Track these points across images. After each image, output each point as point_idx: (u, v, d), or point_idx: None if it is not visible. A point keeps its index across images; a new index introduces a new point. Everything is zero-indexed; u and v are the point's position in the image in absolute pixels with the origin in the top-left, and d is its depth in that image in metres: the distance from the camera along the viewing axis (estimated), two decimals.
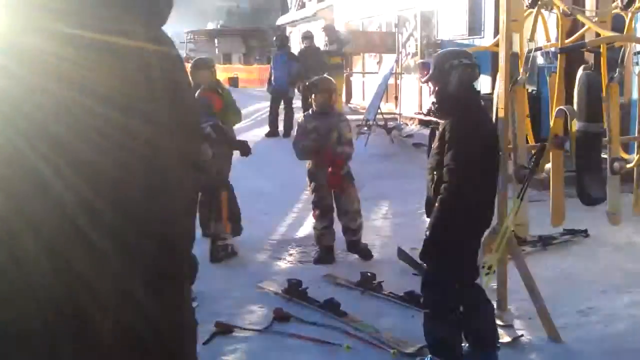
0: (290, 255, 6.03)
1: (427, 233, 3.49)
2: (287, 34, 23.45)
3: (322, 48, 13.15)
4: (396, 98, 13.63)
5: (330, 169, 5.57)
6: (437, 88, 3.63)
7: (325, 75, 12.20)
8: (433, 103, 3.70)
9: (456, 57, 3.61)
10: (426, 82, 3.70)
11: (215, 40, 40.10)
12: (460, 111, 3.54)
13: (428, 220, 3.57)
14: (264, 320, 4.44)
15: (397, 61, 13.24)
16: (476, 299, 3.62)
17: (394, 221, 7.06)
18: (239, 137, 13.12)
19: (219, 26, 43.86)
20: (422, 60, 4.21)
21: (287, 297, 4.73)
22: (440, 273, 3.55)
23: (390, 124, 12.36)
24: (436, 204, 3.45)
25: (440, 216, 3.43)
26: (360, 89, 16.60)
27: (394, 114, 13.37)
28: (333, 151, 5.59)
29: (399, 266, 5.40)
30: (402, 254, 5.43)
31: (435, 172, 3.55)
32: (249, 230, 6.81)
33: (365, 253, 5.73)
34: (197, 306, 4.70)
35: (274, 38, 13.17)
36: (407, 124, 13.16)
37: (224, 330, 4.28)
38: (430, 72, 3.62)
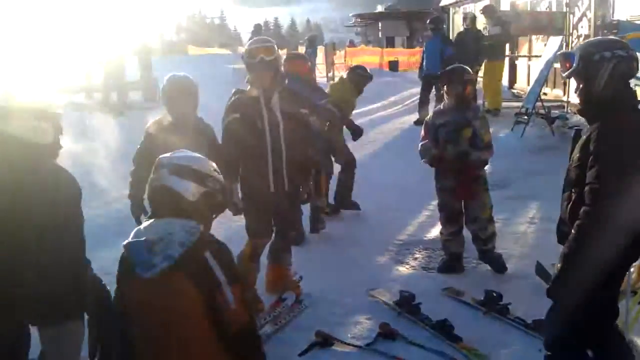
0: (415, 259, 5.50)
1: (558, 265, 2.82)
2: (452, 15, 22.42)
3: (483, 31, 12.18)
4: (564, 84, 12.31)
5: (460, 177, 4.93)
6: (581, 85, 2.91)
7: (479, 60, 11.61)
8: (578, 103, 2.99)
9: (608, 47, 2.84)
10: (569, 77, 2.98)
11: (379, 24, 39.69)
12: (610, 116, 2.80)
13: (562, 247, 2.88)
14: (368, 334, 4.01)
15: (566, 44, 11.93)
16: (614, 345, 2.90)
17: (541, 227, 6.19)
18: (388, 123, 12.86)
19: (381, 9, 43.42)
20: (563, 51, 3.43)
21: (397, 310, 4.25)
22: (569, 313, 2.85)
23: (555, 112, 11.17)
24: (572, 231, 2.76)
25: (575, 247, 2.73)
26: (525, 73, 15.34)
27: (562, 101, 12.10)
28: (462, 156, 4.91)
29: (535, 284, 4.63)
30: (541, 270, 4.67)
31: (573, 190, 2.86)
32: (375, 226, 6.41)
33: (497, 264, 5.04)
34: (305, 308, 4.42)
35: (428, 21, 12.45)
36: (574, 113, 11.85)
37: (324, 341, 3.92)
38: (574, 65, 2.90)
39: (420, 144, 5.12)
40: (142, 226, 2.36)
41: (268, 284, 4.66)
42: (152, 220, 2.36)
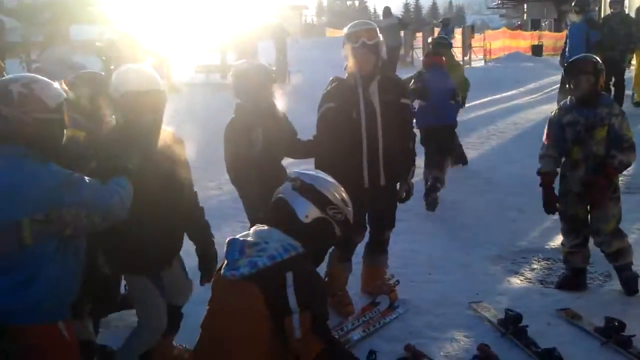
0: (532, 270, 4.94)
1: None
2: None
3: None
4: None
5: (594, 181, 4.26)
6: None
7: (630, 47, 10.39)
8: None
9: None
10: None
11: (524, 6, 37.52)
12: None
13: None
14: (464, 355, 3.60)
15: None
16: None
17: None
18: (521, 112, 11.96)
19: None
20: None
21: (501, 331, 3.78)
22: None
23: None
24: None
25: None
26: None
27: None
28: (594, 160, 4.26)
29: None
30: None
31: None
32: (491, 228, 5.87)
33: (629, 284, 4.36)
34: (399, 316, 4.09)
35: (572, 3, 11.38)
36: None
37: (413, 357, 3.57)
38: None
39: (541, 150, 4.53)
40: (254, 228, 2.34)
41: (363, 282, 4.39)
42: (262, 225, 2.33)
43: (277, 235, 2.22)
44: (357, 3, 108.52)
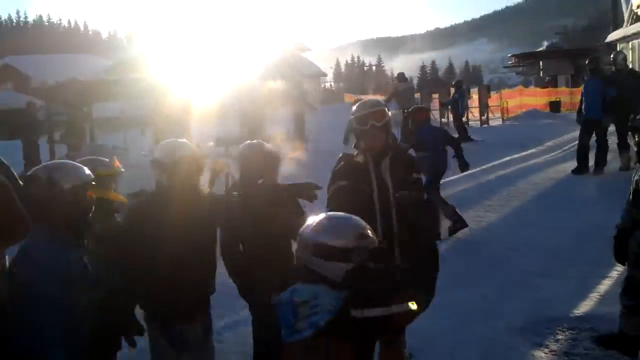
0: (556, 341, 4.71)
1: None
2: (619, 49, 20.69)
3: None
4: None
5: None
6: None
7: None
8: None
9: None
10: None
11: (540, 63, 37.79)
12: None
13: None
14: None
15: None
16: None
17: None
18: (541, 172, 11.81)
19: (544, 47, 41.47)
20: None
21: None
22: None
23: None
24: None
25: None
26: None
27: None
28: None
29: None
30: None
31: None
32: (511, 294, 5.66)
33: None
34: None
35: (587, 61, 11.40)
36: None
37: None
38: None
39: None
40: (294, 285, 2.26)
41: None
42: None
43: (324, 290, 2.19)
44: (374, 68, 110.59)
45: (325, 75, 55.01)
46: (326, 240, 2.25)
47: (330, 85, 72.16)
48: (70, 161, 3.16)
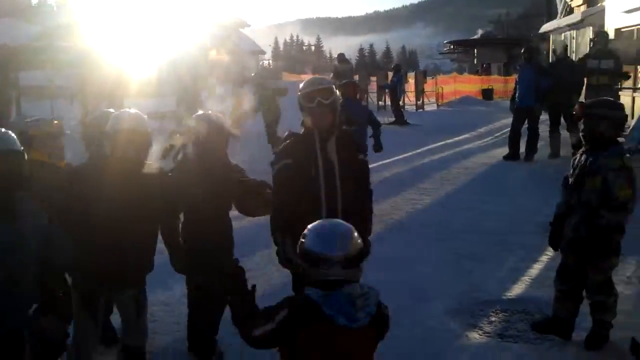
0: (490, 323, 4.81)
1: None
2: (551, 42, 21.34)
3: (592, 62, 11.00)
4: None
5: None
6: None
7: (577, 92, 10.65)
8: None
9: None
10: None
11: (475, 50, 38.65)
12: None
13: None
14: None
15: None
16: None
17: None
18: (474, 156, 12.11)
19: (479, 35, 42.39)
20: None
21: None
22: None
23: None
24: None
25: None
26: (630, 107, 14.10)
27: None
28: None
29: None
30: (637, 348, 3.92)
31: None
32: (446, 278, 5.76)
33: (594, 340, 4.28)
34: None
35: (522, 50, 11.68)
36: None
37: None
38: None
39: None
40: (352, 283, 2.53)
41: None
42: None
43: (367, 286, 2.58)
44: (312, 48, 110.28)
45: (264, 53, 54.35)
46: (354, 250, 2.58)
47: (269, 63, 71.41)
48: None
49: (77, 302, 3.54)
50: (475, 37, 46.48)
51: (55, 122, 4.09)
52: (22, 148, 3.10)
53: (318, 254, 2.48)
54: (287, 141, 3.80)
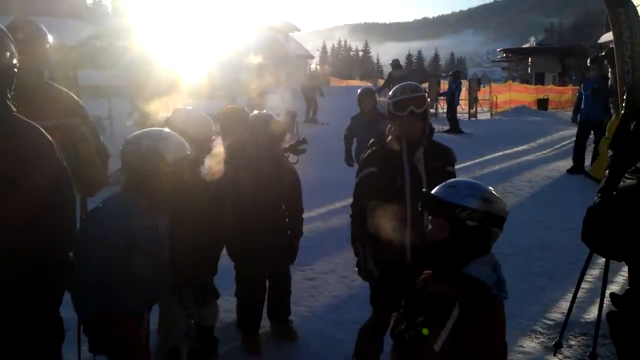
0: (569, 347, 4.57)
1: None
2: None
3: None
4: None
5: None
6: None
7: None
8: None
9: None
10: None
11: (529, 59, 37.88)
12: None
13: None
14: None
15: None
16: None
17: None
18: (536, 169, 11.74)
19: (534, 44, 41.54)
20: None
21: None
22: None
23: None
24: None
25: None
26: None
27: None
28: None
29: None
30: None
31: None
32: (518, 298, 5.49)
33: None
34: None
35: (589, 60, 11.28)
36: None
37: None
38: None
39: None
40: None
41: None
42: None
43: None
44: (360, 53, 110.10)
45: (312, 57, 54.58)
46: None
47: (317, 67, 71.65)
48: (172, 132, 3.12)
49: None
50: (528, 45, 45.57)
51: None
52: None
53: (504, 217, 2.46)
54: (374, 148, 3.66)
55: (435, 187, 3.52)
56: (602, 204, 2.68)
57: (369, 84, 38.24)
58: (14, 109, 2.25)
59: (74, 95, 3.78)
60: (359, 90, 6.43)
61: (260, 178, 4.22)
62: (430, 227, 2.50)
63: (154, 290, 3.13)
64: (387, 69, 19.38)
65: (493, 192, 2.51)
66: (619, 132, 2.96)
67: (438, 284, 2.42)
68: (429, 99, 3.68)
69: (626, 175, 2.61)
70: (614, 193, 2.59)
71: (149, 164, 2.89)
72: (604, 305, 4.36)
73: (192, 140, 3.38)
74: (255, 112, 4.61)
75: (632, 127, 2.79)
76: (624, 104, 2.86)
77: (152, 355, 3.57)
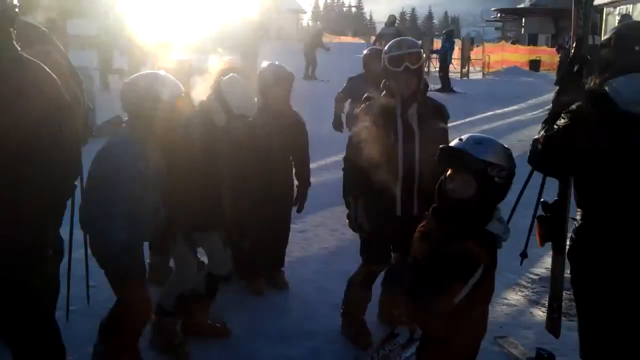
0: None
1: None
2: (605, 15, 20.58)
3: None
4: None
5: None
6: None
7: None
8: None
9: None
10: None
11: (523, 20, 37.60)
12: None
13: None
14: None
15: None
16: None
17: None
18: (527, 129, 11.80)
19: (528, 4, 41.15)
20: None
21: None
22: None
23: None
24: None
25: None
26: None
27: None
28: None
29: None
30: None
31: None
32: (505, 252, 5.60)
33: None
34: None
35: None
36: None
37: None
38: None
39: None
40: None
41: (383, 311, 4.15)
42: None
43: None
44: (353, 10, 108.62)
45: (304, 12, 53.80)
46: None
47: (308, 23, 70.71)
48: (167, 74, 3.28)
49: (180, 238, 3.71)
50: (523, 5, 45.12)
51: None
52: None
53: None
54: (367, 103, 3.67)
55: (427, 143, 3.56)
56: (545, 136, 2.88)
57: (362, 41, 37.79)
58: (19, 49, 2.28)
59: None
60: (364, 51, 6.20)
61: (274, 127, 4.38)
62: (452, 183, 2.43)
63: (156, 225, 3.26)
64: (380, 27, 19.16)
65: None
66: (566, 71, 3.22)
67: (465, 241, 2.37)
68: (424, 55, 3.68)
69: (562, 114, 2.73)
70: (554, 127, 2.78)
71: (146, 102, 3.07)
72: None
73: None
74: (265, 63, 4.64)
75: (575, 69, 3.08)
76: (572, 51, 3.26)
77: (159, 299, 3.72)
